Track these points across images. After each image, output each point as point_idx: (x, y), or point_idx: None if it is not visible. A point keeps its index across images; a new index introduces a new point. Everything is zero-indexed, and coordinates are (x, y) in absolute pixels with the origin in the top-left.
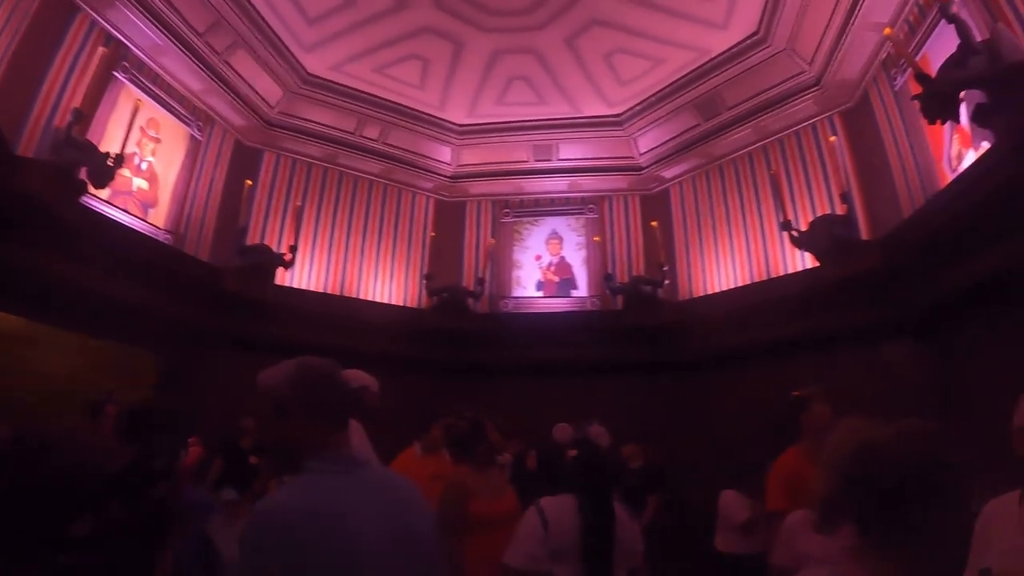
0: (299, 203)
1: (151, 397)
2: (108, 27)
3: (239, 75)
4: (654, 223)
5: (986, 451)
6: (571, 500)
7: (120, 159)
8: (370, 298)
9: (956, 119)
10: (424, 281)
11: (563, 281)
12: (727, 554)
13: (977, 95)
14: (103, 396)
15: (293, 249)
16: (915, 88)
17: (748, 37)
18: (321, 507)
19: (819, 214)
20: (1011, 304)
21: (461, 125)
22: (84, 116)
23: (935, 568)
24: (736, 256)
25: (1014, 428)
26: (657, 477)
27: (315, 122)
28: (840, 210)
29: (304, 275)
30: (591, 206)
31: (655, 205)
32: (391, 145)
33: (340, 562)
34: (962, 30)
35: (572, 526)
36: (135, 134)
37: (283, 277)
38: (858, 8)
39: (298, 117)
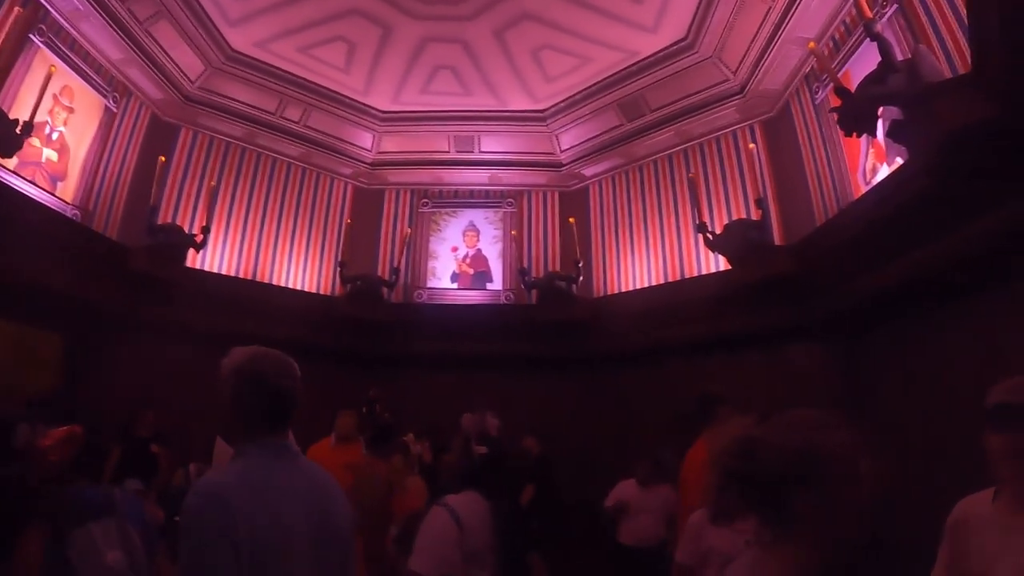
0: (214, 183)
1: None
2: None
3: (160, 47)
4: (571, 219)
5: (886, 454)
6: (479, 498)
7: (29, 127)
8: (283, 284)
9: (872, 133)
10: (338, 269)
11: (478, 274)
12: (627, 546)
13: (894, 112)
14: None
15: (205, 230)
16: (835, 102)
17: (676, 42)
18: (256, 487)
19: (735, 218)
20: (914, 314)
21: (384, 112)
22: None
23: (836, 548)
24: (651, 256)
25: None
26: (546, 467)
27: (235, 100)
28: (755, 215)
29: (216, 258)
30: (510, 200)
31: (574, 202)
32: (312, 128)
33: (272, 536)
34: (884, 48)
35: (485, 527)
36: (47, 102)
37: (194, 259)
38: (785, 23)
39: (218, 94)
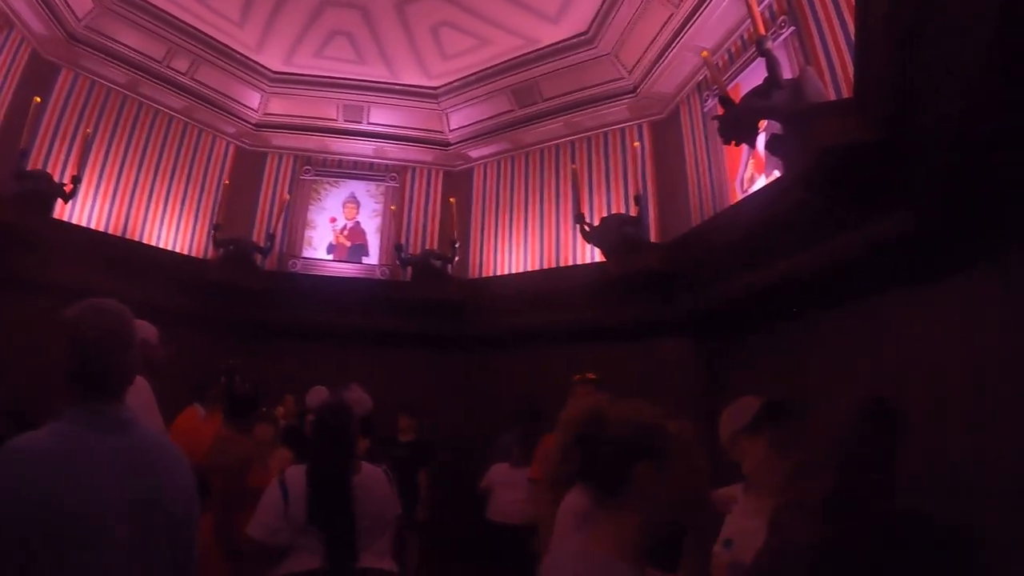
0: (90, 130)
1: None
2: None
3: None
4: (452, 199)
5: None
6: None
7: None
8: (154, 243)
9: (751, 144)
10: (212, 231)
11: (355, 247)
12: (496, 523)
13: (776, 127)
14: None
15: (76, 180)
16: (720, 111)
17: (577, 35)
18: (64, 456)
19: (613, 212)
20: (777, 317)
21: (275, 72)
22: None
23: (662, 512)
24: (530, 242)
25: (723, 439)
26: (427, 451)
27: (122, 44)
28: (633, 212)
29: (86, 211)
30: (393, 175)
31: (457, 182)
32: (198, 82)
33: (76, 510)
34: (771, 64)
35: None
36: None
37: (63, 211)
38: (685, 30)
39: (105, 35)
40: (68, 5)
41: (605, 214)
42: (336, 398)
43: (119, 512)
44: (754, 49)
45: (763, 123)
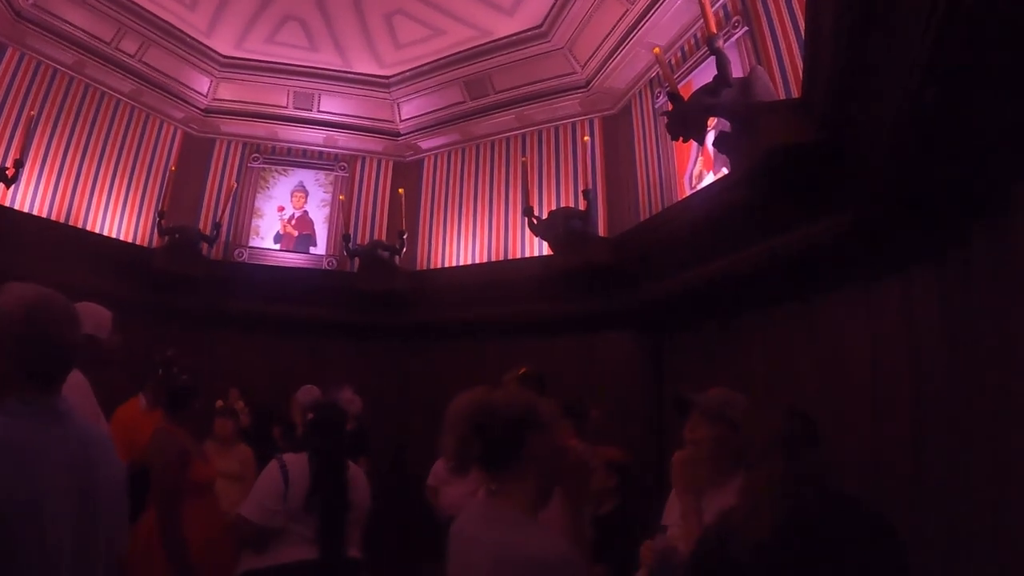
0: (34, 112)
1: None
2: None
3: None
4: (401, 190)
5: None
6: (306, 458)
7: None
8: (98, 230)
9: (699, 141)
10: (157, 219)
11: (302, 236)
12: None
13: (725, 124)
14: None
15: (19, 164)
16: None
17: (531, 29)
18: (14, 445)
19: (562, 206)
20: (721, 312)
21: (225, 56)
22: None
23: (553, 477)
24: (478, 234)
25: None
26: (363, 440)
27: (70, 24)
28: (582, 205)
29: (27, 196)
30: (343, 164)
31: (407, 173)
32: (147, 64)
33: (27, 502)
34: (721, 62)
35: (307, 485)
36: None
37: (4, 196)
38: (639, 26)
39: (53, 14)
40: None
41: (554, 208)
42: (329, 397)
43: (58, 498)
44: (706, 48)
45: (712, 120)
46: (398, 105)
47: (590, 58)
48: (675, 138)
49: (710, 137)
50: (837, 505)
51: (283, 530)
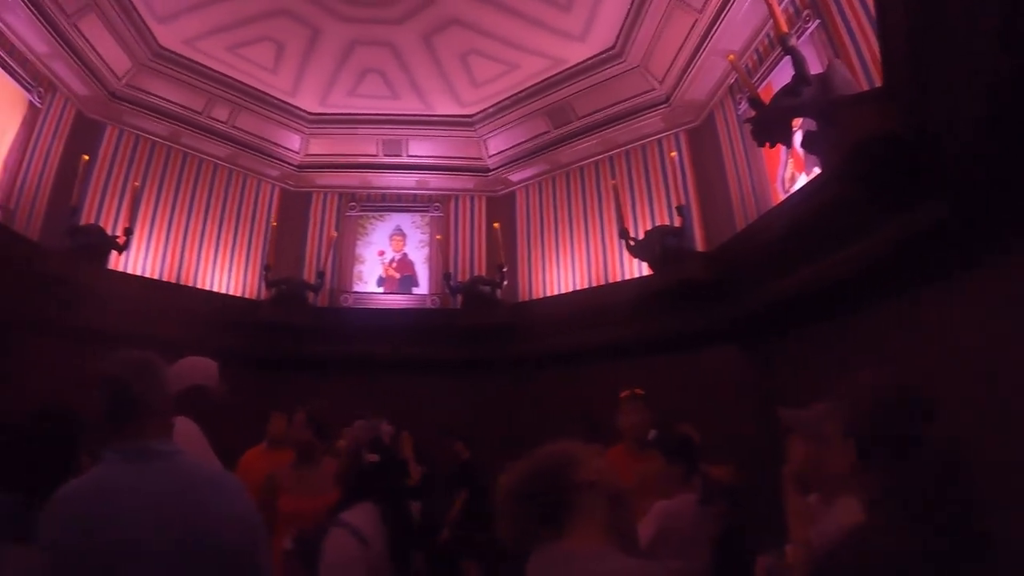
0: (138, 183)
1: None
2: None
3: (87, 41)
4: (496, 224)
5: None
6: (372, 508)
7: None
8: (207, 287)
9: (786, 144)
10: (263, 272)
11: (404, 278)
12: None
13: (811, 123)
14: None
15: (128, 232)
16: (752, 113)
17: (604, 51)
18: (99, 494)
19: (657, 225)
20: (825, 315)
21: (312, 114)
22: None
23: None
24: (576, 261)
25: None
26: (468, 473)
27: (162, 98)
28: (676, 222)
29: (139, 260)
30: (437, 204)
31: (501, 207)
32: (239, 129)
33: (110, 545)
34: (797, 61)
35: (380, 536)
36: None
37: (117, 262)
38: (711, 34)
39: (145, 91)
40: (107, 64)
41: (649, 227)
42: (374, 432)
43: (151, 536)
44: (781, 47)
45: (798, 120)
46: (484, 141)
47: (667, 73)
48: (761, 144)
49: (798, 138)
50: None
51: None
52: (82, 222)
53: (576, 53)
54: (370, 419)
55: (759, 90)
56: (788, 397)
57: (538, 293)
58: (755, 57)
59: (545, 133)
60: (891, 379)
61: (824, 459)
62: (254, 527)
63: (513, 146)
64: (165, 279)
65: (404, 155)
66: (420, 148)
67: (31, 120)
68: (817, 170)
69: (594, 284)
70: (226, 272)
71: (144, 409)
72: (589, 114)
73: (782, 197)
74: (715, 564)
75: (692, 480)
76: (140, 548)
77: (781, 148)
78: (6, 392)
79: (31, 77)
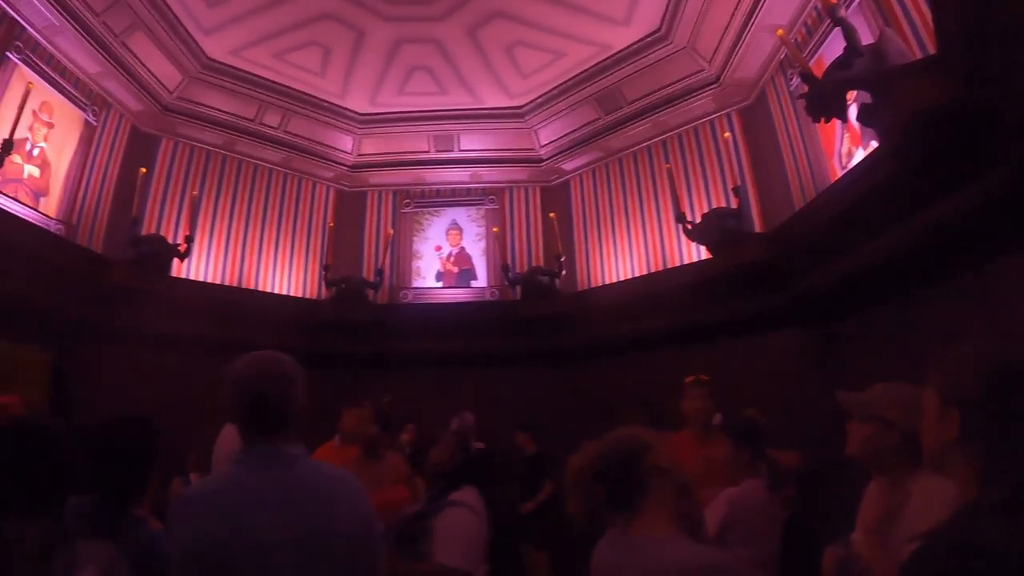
0: (196, 192)
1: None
2: (2, 3)
3: (137, 58)
4: (552, 214)
5: None
6: (476, 493)
7: (9, 145)
8: (268, 289)
9: (841, 118)
10: (323, 272)
11: (463, 272)
12: None
13: (866, 96)
14: None
15: (189, 240)
16: (804, 88)
17: (650, 34)
18: (225, 495)
19: (713, 207)
20: (889, 294)
21: (362, 114)
22: None
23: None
24: (634, 247)
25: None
26: (549, 463)
27: (214, 108)
28: (733, 204)
29: (201, 266)
30: (491, 197)
31: (555, 197)
32: (291, 133)
33: (234, 545)
34: (848, 32)
35: (486, 520)
36: (27, 118)
37: (179, 269)
38: (757, 10)
39: (197, 103)
40: (158, 80)
41: (706, 210)
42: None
43: (281, 538)
44: (830, 19)
45: (852, 93)
46: (535, 132)
47: (715, 52)
48: (816, 120)
49: (853, 112)
50: None
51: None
52: (143, 232)
53: (621, 38)
54: (459, 412)
55: (810, 64)
56: (854, 379)
57: (597, 281)
58: (804, 31)
59: (596, 120)
60: (999, 352)
61: (885, 441)
62: (374, 526)
63: (564, 135)
64: (227, 283)
65: (456, 150)
66: (472, 142)
67: (88, 137)
68: (874, 144)
69: (652, 270)
70: (286, 274)
71: (279, 414)
72: (639, 99)
73: (840, 173)
74: (782, 551)
75: (758, 466)
76: (268, 550)
77: (836, 123)
78: (81, 398)
79: (85, 96)
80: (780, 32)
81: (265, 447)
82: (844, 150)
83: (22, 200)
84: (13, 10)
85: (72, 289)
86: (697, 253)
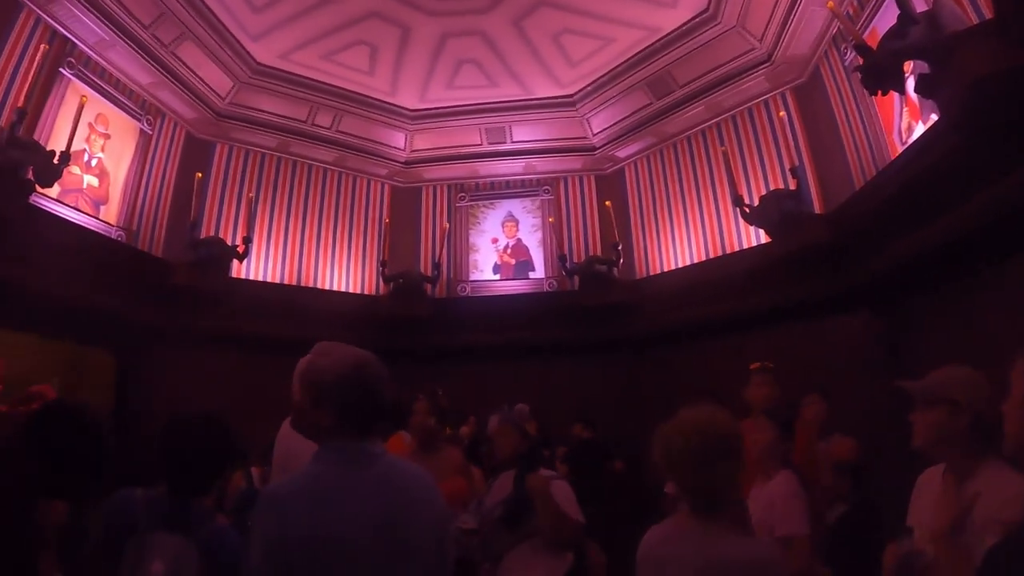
0: (252, 194)
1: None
2: (53, 23)
3: (188, 67)
4: (608, 203)
5: None
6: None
7: (66, 157)
8: (327, 287)
9: (899, 90)
10: (380, 268)
11: (520, 263)
12: None
13: (924, 66)
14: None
15: (247, 241)
16: (860, 60)
17: (698, 15)
18: (317, 493)
19: (771, 189)
20: (955, 272)
21: (413, 110)
22: (27, 115)
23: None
24: (691, 233)
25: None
26: (604, 448)
27: (266, 112)
28: (791, 185)
29: (260, 267)
30: (546, 187)
31: (610, 185)
32: (344, 132)
33: (326, 544)
34: None
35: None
36: (83, 130)
37: (239, 270)
38: None
39: (249, 107)
40: (209, 87)
41: (764, 192)
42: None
43: (366, 536)
44: None
45: (909, 64)
46: (587, 120)
47: (765, 30)
48: (873, 93)
49: (911, 84)
50: None
51: None
52: (202, 235)
53: (669, 20)
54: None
55: (864, 36)
56: (922, 361)
57: (655, 269)
58: (855, 2)
59: (648, 105)
60: None
61: (954, 425)
62: (448, 523)
63: (617, 122)
64: (286, 283)
65: (508, 141)
66: (524, 133)
67: (144, 146)
68: (935, 116)
69: (711, 256)
70: (344, 271)
71: (377, 414)
72: (690, 81)
73: (900, 149)
74: (834, 544)
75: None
76: (353, 547)
77: (894, 96)
78: (145, 399)
79: (139, 106)
80: (831, 4)
81: (352, 444)
82: (904, 125)
83: (83, 209)
84: (64, 27)
85: (135, 293)
86: (756, 237)
